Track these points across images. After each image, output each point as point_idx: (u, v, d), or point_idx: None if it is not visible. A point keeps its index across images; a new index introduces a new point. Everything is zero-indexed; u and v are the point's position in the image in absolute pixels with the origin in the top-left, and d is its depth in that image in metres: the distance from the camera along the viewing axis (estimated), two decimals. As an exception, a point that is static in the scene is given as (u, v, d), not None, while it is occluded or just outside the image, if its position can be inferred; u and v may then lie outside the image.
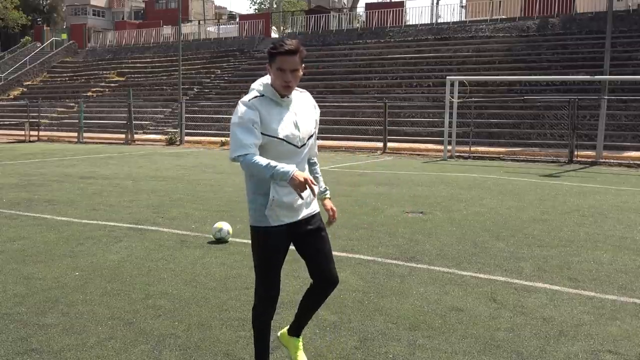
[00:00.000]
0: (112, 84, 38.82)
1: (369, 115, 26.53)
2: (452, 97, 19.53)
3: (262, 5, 70.76)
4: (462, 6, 41.06)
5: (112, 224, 7.82)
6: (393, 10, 37.22)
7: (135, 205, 9.25)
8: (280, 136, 3.02)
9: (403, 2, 38.62)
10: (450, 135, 19.30)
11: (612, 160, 17.76)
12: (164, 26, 47.17)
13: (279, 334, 3.69)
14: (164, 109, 32.79)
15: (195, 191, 10.89)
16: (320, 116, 3.42)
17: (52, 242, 6.72)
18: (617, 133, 21.24)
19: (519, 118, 23.57)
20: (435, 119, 24.48)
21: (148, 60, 42.28)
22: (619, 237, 7.23)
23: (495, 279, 5.40)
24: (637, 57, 25.68)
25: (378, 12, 37.80)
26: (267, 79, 3.13)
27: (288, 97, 3.09)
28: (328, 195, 3.54)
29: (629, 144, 20.43)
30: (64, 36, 50.51)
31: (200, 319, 4.36)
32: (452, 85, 19.70)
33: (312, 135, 3.20)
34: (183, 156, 19.23)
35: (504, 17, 34.13)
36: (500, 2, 35.55)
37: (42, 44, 48.68)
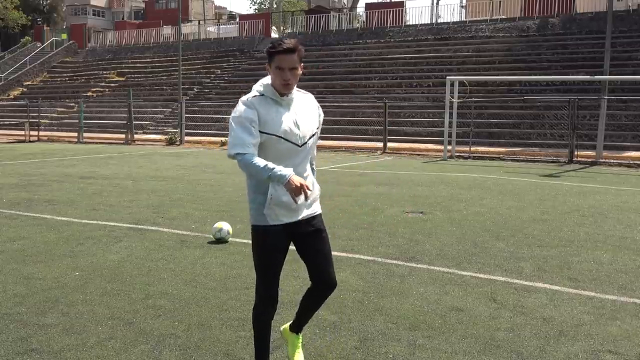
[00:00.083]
0: (112, 84, 38.82)
1: (369, 115, 26.53)
2: (452, 97, 19.53)
3: (262, 5, 70.79)
4: (462, 6, 41.08)
5: (112, 224, 7.82)
6: (393, 10, 37.22)
7: (135, 205, 9.25)
8: (279, 134, 3.03)
9: (403, 2, 38.63)
10: (450, 135, 19.30)
11: (612, 160, 17.76)
12: (164, 26, 47.17)
13: (282, 327, 3.72)
14: (164, 109, 32.80)
15: (195, 191, 10.89)
16: (320, 116, 3.40)
17: (52, 242, 6.73)
18: (617, 133, 21.24)
19: (519, 118, 23.57)
20: (435, 119, 24.48)
21: (148, 60, 42.28)
22: (619, 237, 7.23)
23: (495, 279, 5.40)
24: (637, 57, 25.68)
25: (378, 12, 37.80)
26: (268, 79, 3.14)
27: (288, 97, 3.10)
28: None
29: (629, 144, 20.43)
30: (64, 36, 50.52)
31: (200, 319, 4.36)
32: (452, 85, 19.70)
33: (313, 135, 3.20)
34: (183, 156, 19.23)
35: (504, 17, 34.13)
36: (500, 2, 35.56)
37: (42, 44, 48.69)
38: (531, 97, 23.04)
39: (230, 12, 78.54)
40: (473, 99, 21.63)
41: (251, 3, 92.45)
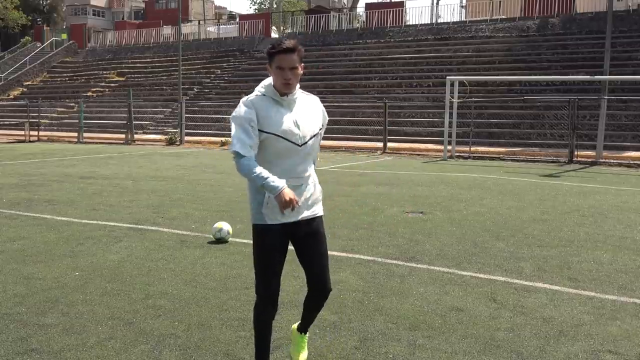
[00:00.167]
0: (112, 84, 38.82)
1: (369, 115, 26.53)
2: (452, 97, 19.53)
3: (262, 5, 70.78)
4: (462, 6, 41.08)
5: (112, 224, 7.82)
6: (393, 10, 37.23)
7: (135, 205, 9.25)
8: (278, 132, 3.06)
9: (403, 2, 38.62)
10: (450, 135, 19.30)
11: (612, 160, 17.76)
12: (164, 26, 47.17)
13: (292, 326, 3.73)
14: (164, 109, 32.80)
15: (195, 191, 10.89)
16: (320, 116, 3.41)
17: (52, 242, 6.73)
18: (617, 133, 21.24)
19: (519, 118, 23.57)
20: (435, 119, 24.48)
21: (148, 60, 42.29)
22: (619, 237, 7.23)
23: (495, 279, 5.40)
24: (637, 57, 25.68)
25: (378, 12, 37.80)
26: (270, 80, 3.18)
27: (289, 97, 3.13)
28: None
29: (629, 144, 20.44)
30: (64, 36, 50.52)
31: (200, 319, 4.36)
32: (452, 85, 19.70)
33: (314, 136, 3.21)
34: (183, 156, 19.24)
35: (504, 17, 34.13)
36: (500, 2, 35.56)
37: (42, 44, 48.69)
38: (531, 97, 23.05)
39: (230, 12, 78.55)
40: (473, 99, 21.63)
41: (251, 3, 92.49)
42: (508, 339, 4.03)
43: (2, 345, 3.87)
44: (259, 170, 2.99)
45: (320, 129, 3.28)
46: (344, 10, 49.99)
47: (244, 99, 3.14)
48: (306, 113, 3.19)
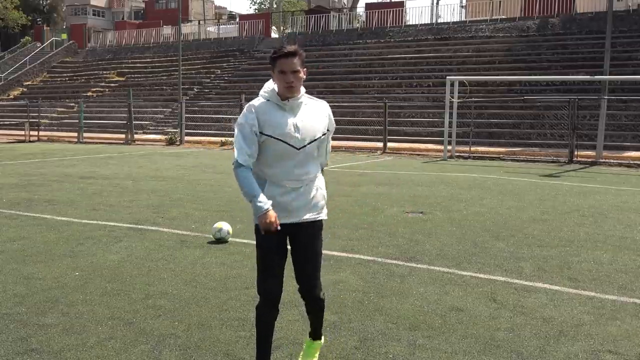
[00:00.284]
0: (112, 84, 38.82)
1: (369, 115, 26.54)
2: (452, 97, 19.53)
3: (262, 5, 70.77)
4: (462, 6, 41.07)
5: (112, 224, 7.82)
6: (393, 10, 37.22)
7: (135, 205, 9.25)
8: (276, 135, 3.14)
9: (403, 2, 38.62)
10: (450, 135, 19.29)
11: (612, 160, 17.76)
12: (164, 26, 47.17)
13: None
14: (164, 109, 32.80)
15: (195, 191, 10.89)
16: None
17: (52, 242, 6.72)
18: (617, 133, 21.24)
19: (519, 118, 23.57)
20: (435, 119, 24.48)
21: (148, 60, 42.29)
22: (619, 237, 7.23)
23: (495, 279, 5.40)
24: (637, 57, 25.68)
25: (378, 12, 37.80)
26: (272, 84, 3.25)
27: (290, 101, 3.18)
28: None
29: (629, 144, 20.44)
30: (64, 36, 50.52)
31: (200, 319, 4.36)
32: (452, 85, 19.70)
33: (315, 140, 3.23)
34: (183, 156, 19.24)
35: (504, 17, 34.13)
36: (500, 2, 35.56)
37: (42, 44, 48.69)
38: (531, 97, 23.05)
39: (230, 12, 78.55)
40: (473, 99, 21.63)
41: (251, 3, 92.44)
42: (508, 339, 4.03)
43: (2, 345, 3.88)
44: (252, 185, 3.12)
45: (324, 134, 3.29)
46: (344, 10, 49.99)
47: (248, 104, 3.21)
48: (308, 117, 3.23)
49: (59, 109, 36.14)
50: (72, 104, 35.17)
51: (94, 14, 65.96)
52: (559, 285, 5.24)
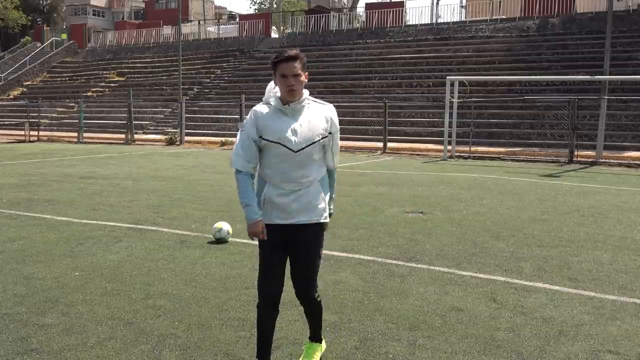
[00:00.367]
0: (112, 84, 38.83)
1: (369, 115, 26.54)
2: (452, 97, 19.53)
3: (262, 5, 70.77)
4: (462, 6, 41.09)
5: (112, 224, 7.82)
6: (393, 10, 37.22)
7: (135, 205, 9.25)
8: (274, 139, 3.20)
9: (403, 2, 38.62)
10: (450, 135, 19.29)
11: (612, 160, 17.76)
12: (164, 26, 47.17)
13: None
14: (164, 109, 32.80)
15: (195, 191, 10.89)
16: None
17: (52, 242, 6.72)
18: (617, 133, 21.24)
19: (519, 118, 23.57)
20: (435, 119, 24.48)
21: (148, 60, 42.29)
22: (619, 237, 7.23)
23: (495, 279, 5.40)
24: (637, 57, 25.68)
25: (378, 12, 37.80)
26: (274, 88, 3.31)
27: (292, 105, 3.22)
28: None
29: (629, 144, 20.44)
30: (64, 36, 50.52)
31: (200, 319, 4.36)
32: (452, 85, 19.70)
33: (313, 143, 3.24)
34: (183, 156, 19.24)
35: (504, 17, 34.13)
36: (500, 2, 35.56)
37: (42, 44, 48.69)
38: (531, 97, 23.04)
39: (230, 12, 78.55)
40: (473, 99, 21.63)
41: (251, 3, 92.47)
42: (508, 339, 4.03)
43: (2, 345, 3.88)
44: (246, 193, 3.23)
45: (324, 138, 3.29)
46: (344, 10, 49.99)
47: (252, 109, 3.29)
48: (308, 121, 3.25)
49: (59, 109, 36.14)
50: (72, 104, 35.17)
51: (94, 14, 65.96)
52: (559, 285, 5.24)
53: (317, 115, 3.29)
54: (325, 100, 3.45)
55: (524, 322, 4.35)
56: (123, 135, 27.21)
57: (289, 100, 3.21)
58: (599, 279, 5.45)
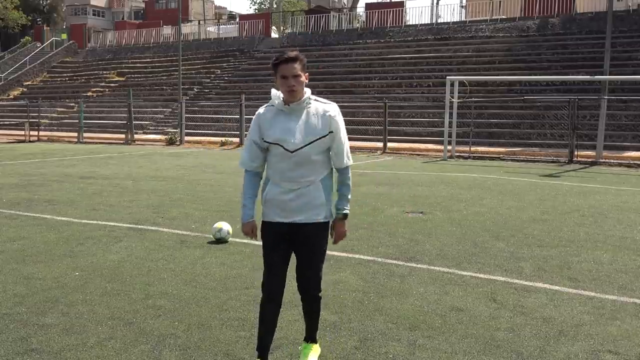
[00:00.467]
0: (112, 84, 38.82)
1: (369, 115, 26.54)
2: (452, 97, 19.53)
3: (262, 5, 70.77)
4: (462, 6, 41.08)
5: (112, 224, 7.82)
6: (393, 10, 37.22)
7: (135, 205, 9.25)
8: (274, 140, 3.30)
9: (403, 2, 38.62)
10: (450, 135, 19.29)
11: (612, 160, 17.76)
12: (164, 26, 47.16)
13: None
14: (164, 109, 32.80)
15: (195, 191, 10.89)
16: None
17: (52, 242, 6.72)
18: (617, 133, 21.24)
19: (519, 118, 23.57)
20: (435, 119, 24.48)
21: (148, 60, 42.28)
22: (619, 237, 7.23)
23: (495, 279, 5.40)
24: (637, 57, 25.68)
25: (378, 12, 37.80)
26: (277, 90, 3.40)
27: (292, 105, 3.28)
28: (339, 215, 3.50)
29: (629, 144, 20.44)
30: (64, 36, 50.51)
31: (200, 319, 4.36)
32: (452, 85, 19.70)
33: (311, 143, 3.27)
34: (183, 156, 19.23)
35: (504, 17, 34.13)
36: (500, 2, 35.55)
37: (42, 44, 48.67)
38: (531, 97, 23.04)
39: (230, 12, 78.54)
40: (473, 99, 21.63)
41: (251, 3, 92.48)
42: (508, 339, 4.03)
43: (2, 345, 3.88)
44: (247, 192, 3.42)
45: (323, 137, 3.30)
46: (344, 10, 49.98)
47: (257, 111, 3.41)
48: (307, 121, 3.30)
49: (59, 109, 36.14)
50: (72, 104, 35.17)
51: (94, 14, 65.95)
52: (559, 285, 5.24)
53: (316, 115, 3.31)
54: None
55: (524, 322, 4.35)
56: (123, 135, 27.20)
57: (290, 101, 3.27)
58: (599, 279, 5.45)
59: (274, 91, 3.36)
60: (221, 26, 49.09)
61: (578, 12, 32.15)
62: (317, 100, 3.35)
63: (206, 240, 6.87)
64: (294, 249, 3.43)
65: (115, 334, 4.06)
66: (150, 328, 4.17)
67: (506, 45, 30.25)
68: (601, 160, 17.75)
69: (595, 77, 19.92)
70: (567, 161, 17.80)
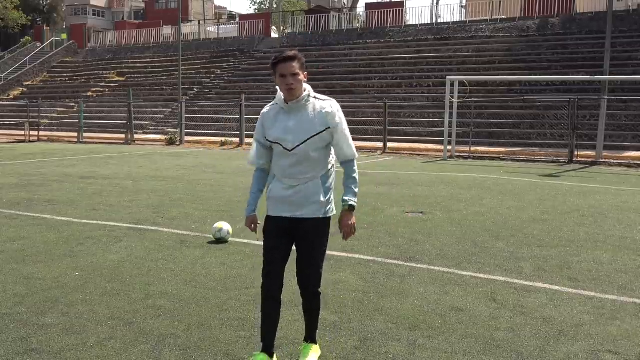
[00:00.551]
0: (112, 84, 38.82)
1: (369, 115, 26.54)
2: (452, 97, 19.53)
3: (262, 5, 70.77)
4: (462, 6, 41.08)
5: (112, 224, 7.82)
6: (393, 10, 37.22)
7: (135, 205, 9.25)
8: (273, 139, 3.40)
9: (403, 2, 38.62)
10: (450, 135, 19.30)
11: (612, 160, 17.76)
12: (164, 26, 47.17)
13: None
14: (164, 109, 32.80)
15: (195, 191, 10.89)
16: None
17: (52, 242, 6.72)
18: (617, 133, 21.24)
19: (519, 118, 23.57)
20: (435, 119, 24.48)
21: (148, 60, 42.29)
22: (619, 237, 7.23)
23: (495, 279, 5.40)
24: (637, 57, 25.68)
25: (378, 12, 37.80)
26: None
27: (290, 104, 3.35)
28: (345, 207, 3.47)
29: (629, 144, 20.44)
30: (64, 36, 50.51)
31: (200, 319, 4.36)
32: (452, 85, 19.70)
33: (307, 140, 3.33)
34: (183, 156, 19.23)
35: (504, 17, 34.13)
36: (500, 2, 35.55)
37: (42, 44, 48.68)
38: (531, 97, 23.04)
39: (230, 12, 78.54)
40: (473, 99, 21.63)
41: (251, 3, 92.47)
42: (508, 339, 4.03)
43: (2, 345, 3.87)
44: (253, 188, 3.55)
45: (320, 133, 3.35)
46: (344, 10, 49.98)
47: (263, 109, 3.52)
48: (304, 119, 3.37)
49: (59, 109, 36.14)
50: (72, 104, 35.17)
51: (94, 14, 65.95)
52: (559, 285, 5.24)
53: (314, 112, 3.38)
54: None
55: (524, 322, 4.35)
56: (123, 135, 27.20)
57: (290, 99, 3.34)
58: (599, 279, 5.45)
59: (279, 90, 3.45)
60: (221, 26, 49.10)
61: (578, 12, 32.15)
62: (316, 98, 3.40)
63: (206, 240, 6.87)
64: (295, 245, 3.48)
65: (115, 334, 4.06)
66: (150, 328, 4.17)
67: (506, 45, 30.25)
68: (601, 160, 17.75)
69: (595, 77, 19.92)
70: (567, 161, 17.80)
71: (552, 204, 9.73)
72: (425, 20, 44.34)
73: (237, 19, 52.31)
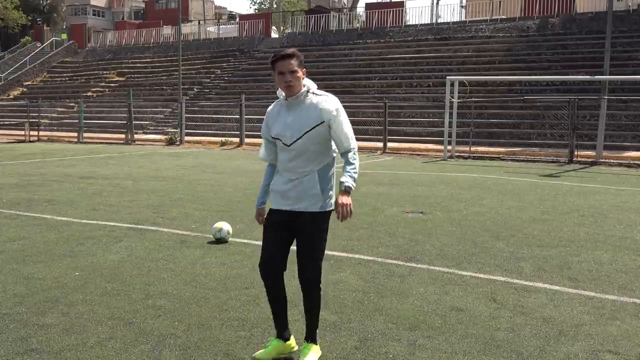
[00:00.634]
0: (112, 84, 38.82)
1: (369, 115, 26.54)
2: (452, 97, 19.53)
3: (262, 5, 70.77)
4: (462, 6, 41.08)
5: (112, 224, 7.82)
6: (393, 10, 37.22)
7: (135, 205, 9.25)
8: (274, 135, 3.54)
9: (403, 2, 38.62)
10: (450, 135, 19.30)
11: (612, 160, 17.77)
12: (164, 26, 47.16)
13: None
14: (164, 109, 32.80)
15: (195, 191, 10.89)
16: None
17: (52, 242, 6.72)
18: (617, 133, 21.24)
19: (519, 118, 23.57)
20: (435, 119, 24.48)
21: (148, 60, 42.28)
22: (619, 237, 7.23)
23: (495, 279, 5.40)
24: (637, 57, 25.68)
25: (378, 12, 37.80)
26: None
27: (290, 100, 3.46)
28: (341, 188, 3.45)
29: (629, 144, 20.44)
30: (64, 36, 50.51)
31: (200, 319, 4.36)
32: (452, 85, 19.70)
33: (304, 135, 3.42)
34: (183, 156, 19.23)
35: (504, 17, 34.13)
36: (500, 2, 35.55)
37: (42, 44, 48.67)
38: (531, 97, 23.05)
39: (230, 12, 78.53)
40: (473, 99, 21.63)
41: (251, 3, 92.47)
42: (508, 339, 4.03)
43: (2, 345, 3.87)
44: (265, 181, 3.71)
45: (316, 127, 3.43)
46: (344, 10, 49.98)
47: (269, 107, 3.67)
48: (301, 114, 3.46)
49: (59, 109, 36.14)
50: (72, 104, 35.17)
51: (94, 14, 65.95)
52: (559, 285, 5.24)
53: (311, 107, 3.46)
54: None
55: (524, 322, 4.35)
56: (123, 135, 27.21)
57: (289, 96, 3.44)
58: (599, 279, 5.45)
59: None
60: (221, 26, 49.10)
61: (578, 12, 32.15)
62: (315, 94, 3.48)
63: (206, 240, 6.87)
64: (295, 238, 3.56)
65: (115, 334, 4.06)
66: (150, 328, 4.17)
67: (506, 45, 30.25)
68: (601, 160, 17.75)
69: (595, 77, 19.92)
70: (567, 161, 17.80)
71: (552, 204, 9.74)
72: (425, 20, 44.37)
73: (237, 19, 52.32)
